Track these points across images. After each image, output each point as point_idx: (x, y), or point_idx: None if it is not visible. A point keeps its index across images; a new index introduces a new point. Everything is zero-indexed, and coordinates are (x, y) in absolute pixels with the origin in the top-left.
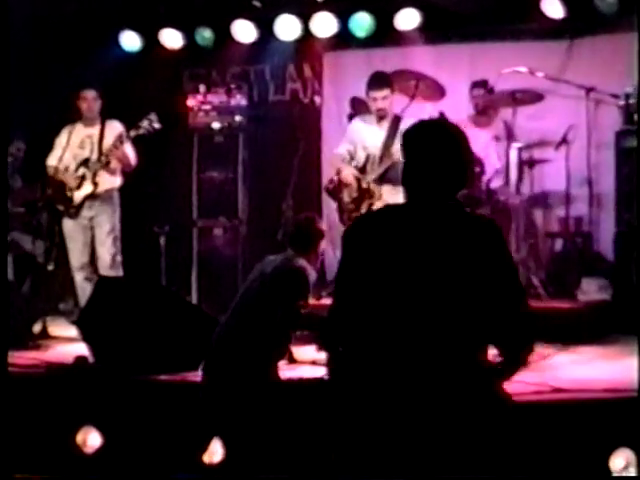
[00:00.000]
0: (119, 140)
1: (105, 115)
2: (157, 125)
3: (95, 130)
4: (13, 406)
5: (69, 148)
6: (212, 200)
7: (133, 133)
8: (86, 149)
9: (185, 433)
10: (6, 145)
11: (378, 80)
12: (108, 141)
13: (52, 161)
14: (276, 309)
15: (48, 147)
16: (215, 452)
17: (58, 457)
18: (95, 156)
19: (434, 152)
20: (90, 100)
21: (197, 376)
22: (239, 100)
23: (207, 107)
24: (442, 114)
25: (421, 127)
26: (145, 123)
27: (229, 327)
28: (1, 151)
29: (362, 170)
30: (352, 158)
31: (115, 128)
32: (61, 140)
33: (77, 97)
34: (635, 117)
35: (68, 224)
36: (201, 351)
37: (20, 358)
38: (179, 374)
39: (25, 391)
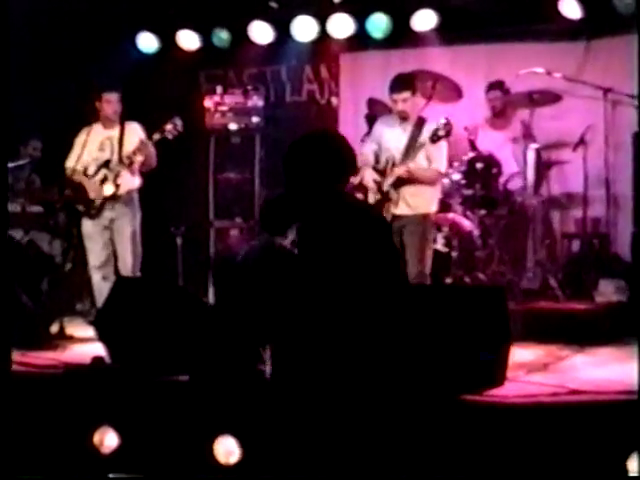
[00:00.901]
0: (143, 142)
1: (124, 117)
2: (181, 129)
3: (115, 132)
4: (30, 406)
5: (88, 150)
6: (229, 201)
7: (157, 136)
8: (106, 151)
9: (202, 433)
10: (8, 145)
11: (399, 82)
12: (129, 143)
13: (70, 162)
14: None
15: (65, 147)
16: (232, 452)
17: (75, 457)
18: (116, 158)
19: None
20: (114, 103)
21: None
22: (256, 101)
23: (224, 108)
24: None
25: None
26: (169, 127)
27: None
28: (2, 151)
29: (382, 173)
30: (377, 160)
31: (135, 130)
32: (79, 141)
33: (99, 99)
34: None
35: (87, 224)
36: None
37: (37, 358)
38: None
39: (42, 391)
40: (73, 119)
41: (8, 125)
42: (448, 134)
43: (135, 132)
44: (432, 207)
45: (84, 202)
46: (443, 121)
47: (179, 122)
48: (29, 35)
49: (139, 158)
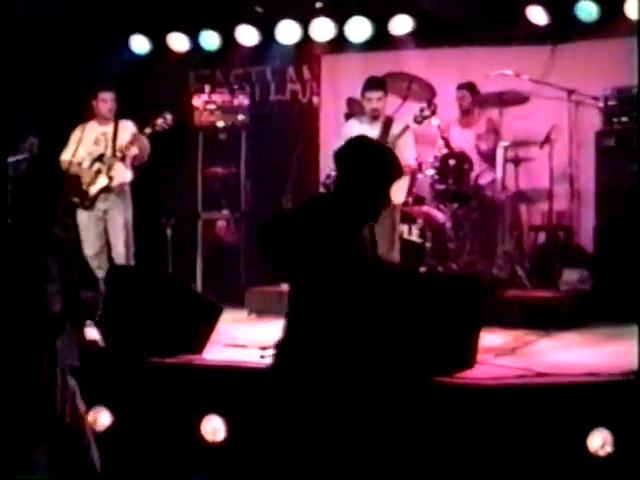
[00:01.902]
0: (136, 135)
1: (118, 114)
2: (171, 123)
3: (109, 128)
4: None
5: (83, 144)
6: (216, 194)
7: (149, 130)
8: (100, 146)
9: (189, 413)
10: (8, 142)
11: (373, 83)
12: (122, 138)
13: (66, 156)
14: None
15: (61, 143)
16: (218, 431)
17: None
18: (109, 151)
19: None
20: (109, 101)
21: (201, 359)
22: (242, 100)
23: (212, 106)
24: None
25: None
26: (160, 121)
27: None
28: (2, 149)
29: None
30: None
31: (128, 127)
32: (75, 137)
33: (95, 98)
34: (614, 118)
35: (82, 215)
36: (204, 336)
37: None
38: (184, 357)
39: None
40: (70, 116)
41: (7, 122)
42: (434, 113)
43: (128, 128)
44: (400, 198)
45: (79, 194)
46: (425, 104)
47: (169, 116)
48: (28, 35)
49: (133, 150)
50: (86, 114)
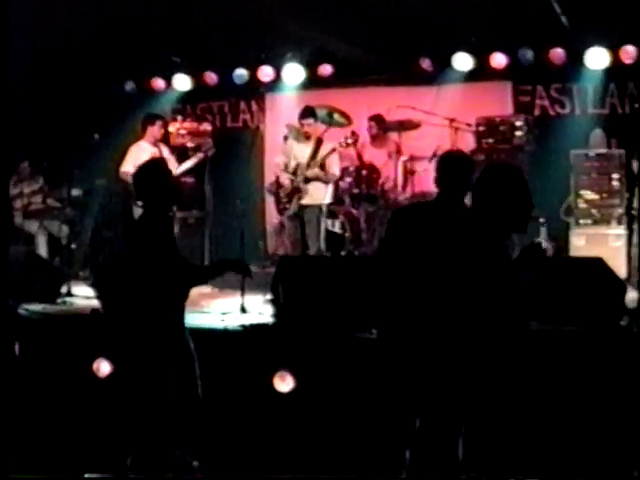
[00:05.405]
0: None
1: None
2: (214, 151)
3: (156, 150)
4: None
5: (139, 160)
6: (187, 198)
7: (201, 155)
8: None
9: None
10: (8, 147)
11: (305, 112)
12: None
13: (126, 168)
14: None
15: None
16: None
17: (77, 381)
18: None
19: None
20: (160, 127)
21: None
22: (206, 126)
23: (183, 132)
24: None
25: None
26: (209, 150)
27: None
28: (2, 154)
29: (294, 174)
30: (286, 167)
31: (166, 150)
32: (131, 153)
33: (153, 124)
34: (482, 140)
35: (138, 211)
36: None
37: (52, 310)
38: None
39: (54, 332)
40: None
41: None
42: (356, 142)
43: (166, 152)
44: (326, 200)
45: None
46: (349, 134)
47: (210, 141)
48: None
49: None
50: (138, 135)
